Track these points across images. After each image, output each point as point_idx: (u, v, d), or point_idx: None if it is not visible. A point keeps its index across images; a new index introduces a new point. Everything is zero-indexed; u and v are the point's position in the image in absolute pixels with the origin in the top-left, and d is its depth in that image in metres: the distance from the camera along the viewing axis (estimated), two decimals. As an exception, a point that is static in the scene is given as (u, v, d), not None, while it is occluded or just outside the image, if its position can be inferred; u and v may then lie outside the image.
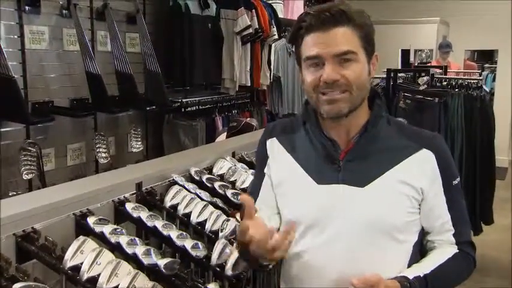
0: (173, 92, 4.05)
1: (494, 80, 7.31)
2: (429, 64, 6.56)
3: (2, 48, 2.62)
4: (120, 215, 1.54)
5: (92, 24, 3.42)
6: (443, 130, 3.45)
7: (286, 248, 1.07)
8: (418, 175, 1.22)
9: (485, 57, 8.35)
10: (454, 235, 1.28)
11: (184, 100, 4.06)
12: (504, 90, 7.12)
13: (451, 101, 3.53)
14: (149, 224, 1.49)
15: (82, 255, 1.23)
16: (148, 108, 3.70)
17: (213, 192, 1.83)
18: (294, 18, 5.49)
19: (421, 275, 1.19)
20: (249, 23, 4.39)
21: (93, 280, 1.19)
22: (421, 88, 3.71)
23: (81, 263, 1.21)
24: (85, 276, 1.19)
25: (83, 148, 3.45)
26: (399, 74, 3.94)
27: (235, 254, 1.36)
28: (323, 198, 1.24)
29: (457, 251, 1.28)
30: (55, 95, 3.22)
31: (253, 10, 4.52)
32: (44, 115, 3.06)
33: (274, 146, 1.35)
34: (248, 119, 3.41)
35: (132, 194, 1.63)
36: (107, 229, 1.37)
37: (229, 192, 1.83)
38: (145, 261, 1.32)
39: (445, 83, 3.96)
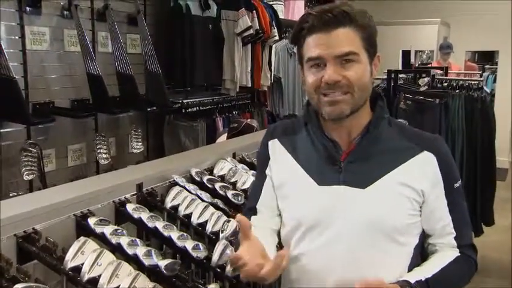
0: (174, 92, 4.04)
1: (495, 81, 7.30)
2: (430, 65, 6.57)
3: (3, 49, 2.62)
4: (120, 216, 1.54)
5: (93, 25, 3.41)
6: (444, 131, 3.45)
7: (278, 274, 1.07)
8: (419, 177, 1.21)
9: (486, 58, 8.33)
10: (455, 238, 1.27)
11: (185, 101, 4.05)
12: (505, 92, 7.11)
13: (452, 102, 3.52)
14: (150, 224, 1.49)
15: (83, 256, 1.23)
16: (149, 109, 3.70)
17: (213, 193, 1.83)
18: (294, 19, 5.49)
19: (423, 279, 1.19)
20: (250, 24, 4.39)
21: (94, 281, 1.19)
22: (422, 89, 3.72)
23: (82, 264, 1.21)
24: (86, 277, 1.19)
25: (83, 149, 3.45)
26: (400, 75, 3.94)
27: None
28: (324, 200, 1.23)
29: (459, 254, 1.27)
30: (56, 96, 3.22)
31: (254, 11, 4.51)
32: (45, 116, 3.06)
33: (275, 147, 1.35)
34: (249, 120, 3.41)
35: (133, 194, 1.63)
36: (107, 230, 1.37)
37: (230, 193, 1.83)
38: (146, 262, 1.32)
39: (446, 84, 3.95)
